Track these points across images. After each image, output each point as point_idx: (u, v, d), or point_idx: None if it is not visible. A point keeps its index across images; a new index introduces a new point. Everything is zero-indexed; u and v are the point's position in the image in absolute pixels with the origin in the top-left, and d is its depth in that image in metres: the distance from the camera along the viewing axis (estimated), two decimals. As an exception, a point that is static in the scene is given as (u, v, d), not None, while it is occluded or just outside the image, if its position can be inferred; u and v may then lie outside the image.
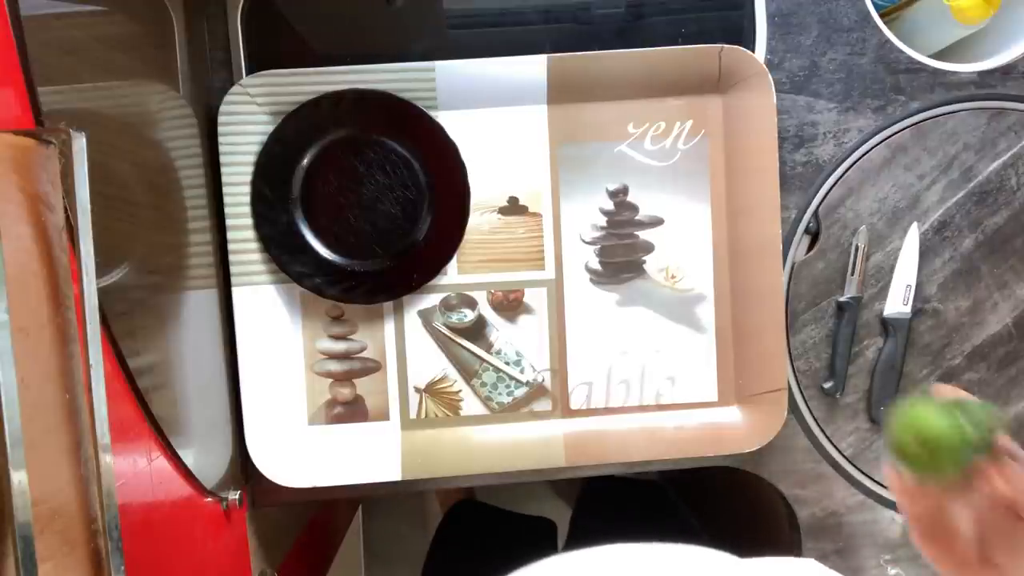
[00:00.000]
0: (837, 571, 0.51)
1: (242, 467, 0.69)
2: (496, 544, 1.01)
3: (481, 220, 0.69)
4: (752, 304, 0.70)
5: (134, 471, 0.47)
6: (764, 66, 0.67)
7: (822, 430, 0.73)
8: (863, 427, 0.73)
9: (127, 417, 0.48)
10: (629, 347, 0.71)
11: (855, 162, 0.71)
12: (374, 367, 0.70)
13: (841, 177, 0.71)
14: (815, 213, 0.71)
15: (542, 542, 1.04)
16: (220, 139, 0.66)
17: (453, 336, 0.70)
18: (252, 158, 0.66)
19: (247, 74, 0.67)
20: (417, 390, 0.70)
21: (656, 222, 0.70)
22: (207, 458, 0.61)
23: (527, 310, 0.70)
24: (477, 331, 0.70)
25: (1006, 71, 0.71)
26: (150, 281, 0.55)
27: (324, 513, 1.04)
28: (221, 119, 0.65)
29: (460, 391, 0.71)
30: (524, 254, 0.70)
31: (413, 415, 0.70)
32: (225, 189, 0.66)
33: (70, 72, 0.45)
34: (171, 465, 0.53)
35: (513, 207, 0.70)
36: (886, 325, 0.71)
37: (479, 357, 0.70)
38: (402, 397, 0.70)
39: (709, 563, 0.53)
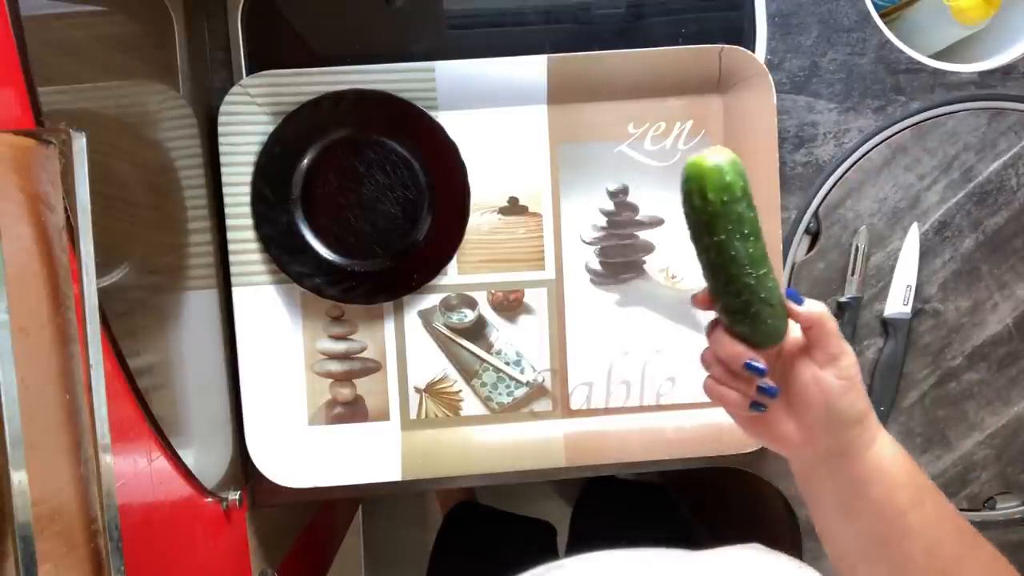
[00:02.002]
0: None
1: (242, 467, 0.69)
2: (496, 547, 1.01)
3: (481, 220, 0.69)
4: (752, 304, 0.70)
5: (134, 471, 0.47)
6: (764, 66, 0.67)
7: (822, 430, 0.73)
8: (863, 427, 0.73)
9: (127, 417, 0.48)
10: (629, 347, 0.71)
11: (855, 162, 0.71)
12: (374, 367, 0.70)
13: (841, 177, 0.71)
14: (815, 213, 0.71)
15: (541, 545, 1.04)
16: (220, 139, 0.66)
17: (453, 336, 0.70)
18: (252, 158, 0.66)
19: (247, 74, 0.67)
20: (417, 390, 0.70)
21: (656, 222, 0.70)
22: (207, 458, 0.61)
23: (527, 310, 0.70)
24: (477, 331, 0.70)
25: (1006, 71, 0.71)
26: (150, 281, 0.55)
27: (324, 513, 1.04)
28: (221, 119, 0.65)
29: (460, 391, 0.71)
30: (524, 254, 0.70)
31: (413, 415, 0.70)
32: (225, 189, 0.66)
33: (70, 72, 0.45)
34: (171, 465, 0.53)
35: (513, 207, 0.70)
36: (886, 325, 0.71)
37: (479, 357, 0.70)
38: (402, 397, 0.70)
39: (661, 561, 0.53)
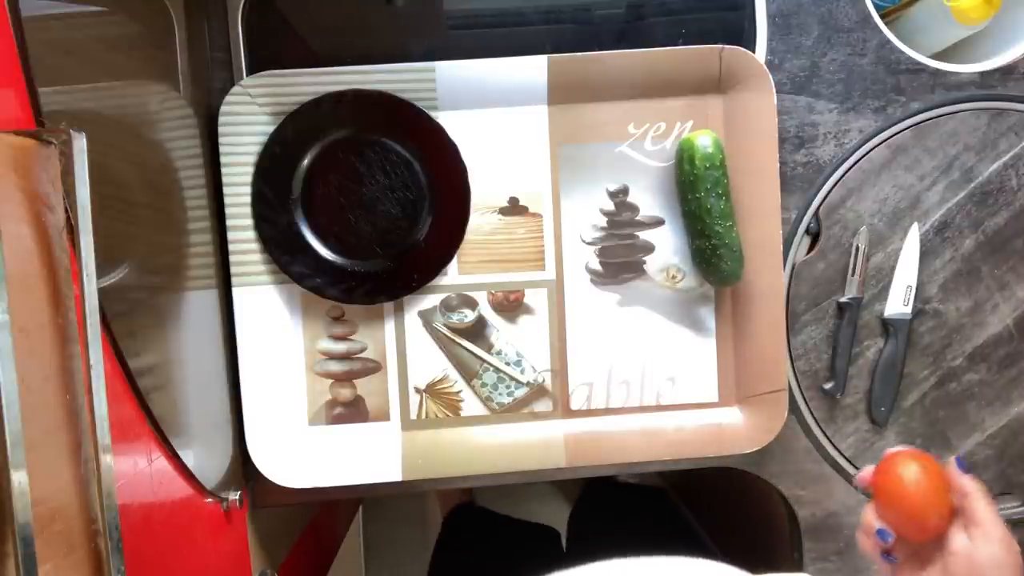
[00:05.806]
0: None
1: (242, 467, 0.69)
2: (499, 553, 1.00)
3: (481, 220, 0.69)
4: (753, 304, 0.70)
5: (134, 471, 0.47)
6: (764, 67, 0.67)
7: (822, 431, 0.73)
8: (863, 428, 0.73)
9: (127, 417, 0.48)
10: (629, 348, 0.71)
11: (856, 163, 0.71)
12: (374, 367, 0.70)
13: (842, 178, 0.71)
14: (816, 214, 0.71)
15: (545, 551, 1.04)
16: (220, 139, 0.66)
17: (453, 336, 0.70)
18: (252, 158, 0.66)
19: (247, 74, 0.67)
20: (417, 390, 0.70)
21: (656, 222, 0.70)
22: (207, 458, 0.61)
23: (527, 310, 0.70)
24: (477, 331, 0.70)
25: (1007, 71, 0.71)
26: (150, 281, 0.55)
27: (324, 514, 1.04)
28: (222, 119, 0.65)
29: (460, 391, 0.71)
30: (524, 254, 0.70)
31: (413, 416, 0.70)
32: (225, 189, 0.66)
33: (70, 72, 0.45)
34: (171, 465, 0.53)
35: (513, 207, 0.70)
36: (887, 326, 0.71)
37: (479, 357, 0.70)
38: (402, 398, 0.70)
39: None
